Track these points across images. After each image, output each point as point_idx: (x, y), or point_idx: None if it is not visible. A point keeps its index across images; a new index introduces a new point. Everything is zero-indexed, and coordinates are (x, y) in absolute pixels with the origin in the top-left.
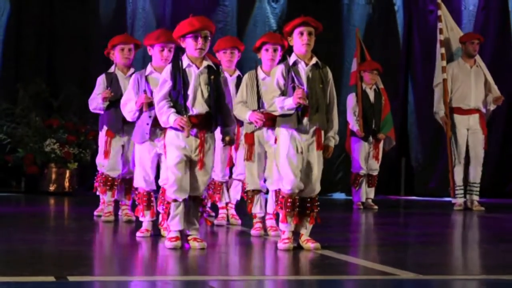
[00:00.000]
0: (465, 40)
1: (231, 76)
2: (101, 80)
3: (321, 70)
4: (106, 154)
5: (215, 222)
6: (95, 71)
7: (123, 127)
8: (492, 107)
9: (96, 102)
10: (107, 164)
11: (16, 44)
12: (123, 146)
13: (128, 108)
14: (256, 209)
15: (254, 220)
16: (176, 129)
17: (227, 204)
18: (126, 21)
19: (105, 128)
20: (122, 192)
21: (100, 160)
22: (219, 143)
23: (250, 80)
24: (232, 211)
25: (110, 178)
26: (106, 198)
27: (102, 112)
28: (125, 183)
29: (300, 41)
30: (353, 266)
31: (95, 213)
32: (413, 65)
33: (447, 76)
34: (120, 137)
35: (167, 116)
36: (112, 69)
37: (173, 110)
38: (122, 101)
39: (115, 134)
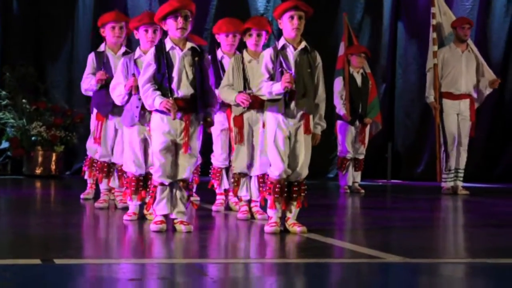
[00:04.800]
0: (456, 25)
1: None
2: (91, 60)
3: (309, 54)
4: (97, 140)
5: (213, 208)
6: (82, 54)
7: (113, 109)
8: (488, 91)
9: (89, 82)
10: (99, 150)
11: (2, 26)
12: (117, 130)
13: (117, 92)
14: (242, 192)
15: (240, 204)
16: (161, 112)
17: (226, 190)
18: (113, 4)
19: (95, 111)
20: (116, 178)
21: (90, 144)
22: (218, 127)
23: (236, 63)
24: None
25: (106, 165)
26: (102, 186)
27: (91, 94)
28: (119, 170)
29: (290, 25)
30: (339, 249)
31: (82, 196)
32: (401, 50)
33: (438, 61)
34: (111, 120)
35: (153, 99)
36: (102, 48)
37: (158, 93)
38: (111, 85)
39: (105, 118)
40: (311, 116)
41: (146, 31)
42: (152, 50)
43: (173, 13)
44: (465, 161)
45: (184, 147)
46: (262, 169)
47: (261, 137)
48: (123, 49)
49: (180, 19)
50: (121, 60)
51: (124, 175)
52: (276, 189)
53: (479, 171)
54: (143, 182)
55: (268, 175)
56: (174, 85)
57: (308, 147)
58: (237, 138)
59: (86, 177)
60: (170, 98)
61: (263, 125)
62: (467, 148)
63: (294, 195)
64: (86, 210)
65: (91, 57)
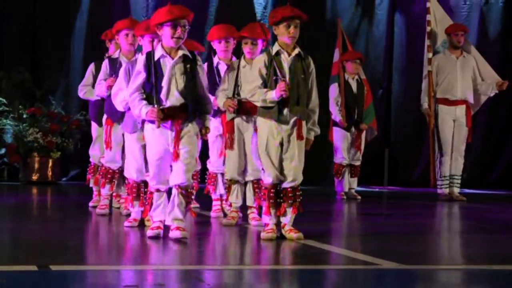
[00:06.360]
0: (450, 32)
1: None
2: (104, 66)
3: (303, 60)
4: (108, 144)
5: (212, 214)
6: (78, 60)
7: (123, 115)
8: (493, 93)
9: (100, 88)
10: (106, 155)
11: None
12: (123, 135)
13: (120, 97)
14: (233, 198)
15: (231, 209)
16: (150, 121)
17: (221, 196)
18: (110, 9)
19: (105, 116)
20: (120, 184)
21: (93, 151)
22: (214, 133)
23: (233, 68)
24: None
25: (110, 171)
26: (104, 192)
27: (104, 97)
28: (123, 176)
29: (287, 33)
30: (335, 256)
31: (91, 204)
32: (397, 56)
33: (432, 68)
34: (120, 125)
35: (139, 109)
36: (116, 55)
37: (144, 102)
38: (113, 91)
39: (115, 123)
40: (303, 122)
41: (152, 40)
42: (142, 58)
43: (172, 21)
44: (461, 168)
45: (174, 155)
46: (255, 175)
47: (255, 142)
48: (136, 56)
49: (179, 29)
50: (123, 66)
51: (125, 181)
52: (271, 194)
53: (475, 177)
54: (144, 188)
55: (262, 181)
56: (162, 94)
57: (301, 152)
58: (227, 143)
59: (91, 185)
60: (155, 106)
61: (255, 130)
62: (463, 154)
63: (289, 201)
64: (82, 216)
65: (105, 63)
